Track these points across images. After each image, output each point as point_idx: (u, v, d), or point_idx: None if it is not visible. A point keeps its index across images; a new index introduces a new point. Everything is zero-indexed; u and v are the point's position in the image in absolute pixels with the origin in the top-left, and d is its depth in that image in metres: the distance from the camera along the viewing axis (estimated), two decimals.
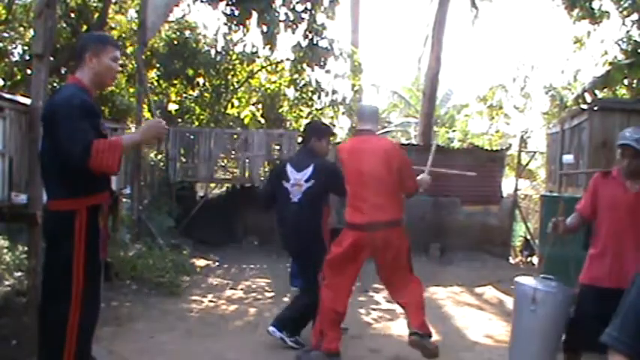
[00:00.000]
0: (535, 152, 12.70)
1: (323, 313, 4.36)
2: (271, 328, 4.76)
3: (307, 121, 12.43)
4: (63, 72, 9.05)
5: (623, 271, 3.52)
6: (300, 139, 5.27)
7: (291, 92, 12.52)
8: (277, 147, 10.72)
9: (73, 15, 9.54)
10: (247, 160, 10.48)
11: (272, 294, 6.99)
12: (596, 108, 5.22)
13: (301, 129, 12.33)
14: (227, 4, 9.58)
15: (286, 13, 9.48)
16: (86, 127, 2.93)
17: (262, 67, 12.66)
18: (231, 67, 12.02)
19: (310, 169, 4.82)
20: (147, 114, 10.82)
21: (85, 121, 2.94)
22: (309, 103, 12.16)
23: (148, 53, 10.46)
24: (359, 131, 4.54)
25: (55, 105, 3.03)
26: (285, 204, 4.90)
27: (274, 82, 12.76)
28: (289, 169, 4.90)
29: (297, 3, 9.49)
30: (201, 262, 8.69)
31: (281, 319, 4.81)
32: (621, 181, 3.60)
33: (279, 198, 4.96)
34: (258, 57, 12.12)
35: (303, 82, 11.93)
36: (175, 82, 11.82)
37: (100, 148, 2.87)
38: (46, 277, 3.12)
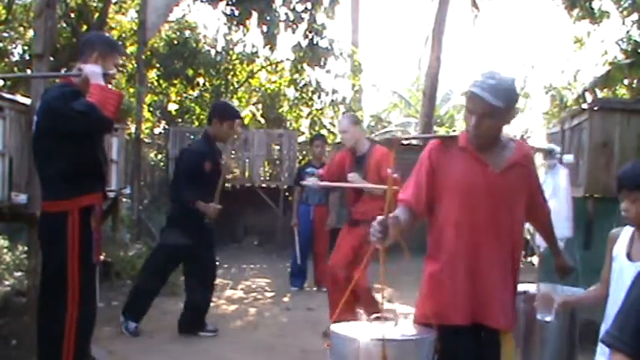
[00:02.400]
0: (535, 152, 12.65)
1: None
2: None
3: (308, 121, 12.45)
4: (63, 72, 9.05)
5: (483, 298, 2.38)
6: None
7: (291, 92, 12.53)
8: (277, 147, 10.73)
9: (73, 15, 9.54)
10: (247, 160, 10.49)
11: (272, 294, 6.99)
12: (596, 108, 5.21)
13: (301, 129, 12.37)
14: (227, 4, 9.58)
15: (286, 13, 9.48)
16: (79, 102, 2.97)
17: (262, 67, 12.67)
18: (231, 67, 12.03)
19: None
20: (147, 114, 10.84)
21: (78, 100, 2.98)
22: (309, 103, 12.17)
23: (148, 53, 10.46)
24: None
25: (46, 104, 3.05)
26: None
27: (274, 82, 12.76)
28: None
29: (297, 3, 9.49)
30: None
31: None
32: (476, 155, 2.40)
33: None
34: (258, 57, 12.14)
35: (303, 82, 11.94)
36: (175, 82, 11.83)
37: (98, 101, 2.94)
38: (43, 278, 3.13)
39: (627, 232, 2.32)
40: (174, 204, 4.96)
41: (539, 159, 5.08)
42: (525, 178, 2.49)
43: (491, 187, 2.38)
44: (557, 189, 4.10)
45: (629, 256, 2.27)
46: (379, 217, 2.21)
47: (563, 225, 3.98)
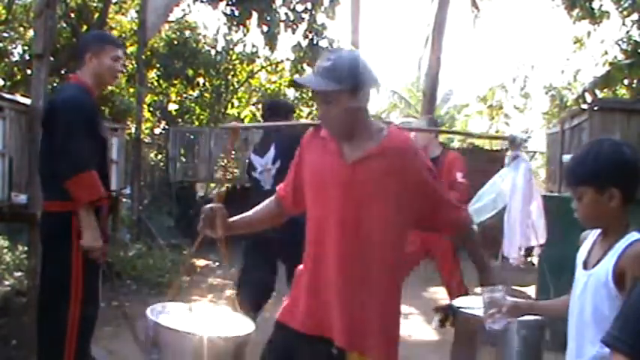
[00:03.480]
0: (535, 152, 12.68)
1: None
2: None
3: (308, 120, 12.43)
4: (63, 72, 9.05)
5: (326, 310, 2.07)
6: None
7: (291, 92, 12.53)
8: None
9: (73, 15, 9.54)
10: (247, 160, 10.50)
11: (272, 294, 6.98)
12: (596, 108, 5.22)
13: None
14: (227, 4, 9.58)
15: (286, 13, 9.48)
16: (85, 144, 2.92)
17: (262, 67, 12.67)
18: (231, 67, 12.03)
19: (272, 149, 4.33)
20: (147, 114, 10.81)
21: (84, 131, 2.94)
22: (309, 103, 12.17)
23: (148, 53, 10.46)
24: None
25: (56, 107, 3.03)
26: (259, 196, 4.52)
27: (274, 82, 12.76)
28: (253, 157, 4.52)
29: (297, 3, 9.49)
30: (201, 262, 8.68)
31: None
32: (333, 144, 2.12)
33: (254, 193, 4.40)
34: (258, 57, 12.15)
35: None
36: (175, 82, 11.83)
37: (86, 179, 2.90)
38: (44, 278, 3.12)
39: (593, 235, 1.95)
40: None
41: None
42: (392, 174, 2.04)
43: (342, 180, 2.05)
44: (515, 188, 3.18)
45: (585, 265, 1.90)
46: (204, 207, 2.21)
47: (517, 233, 3.20)
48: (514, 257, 2.94)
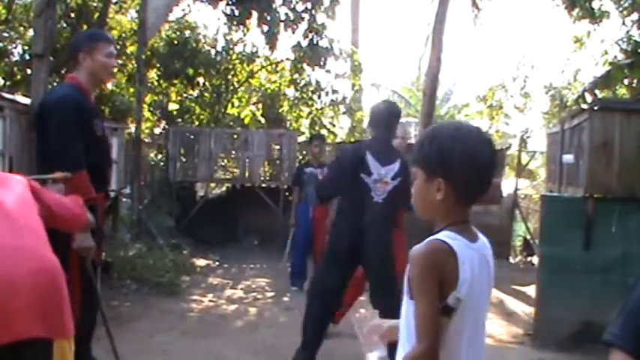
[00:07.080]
0: (535, 152, 12.68)
1: None
2: None
3: (308, 121, 12.42)
4: (63, 72, 9.04)
5: None
6: (378, 125, 4.27)
7: (291, 92, 12.52)
8: (277, 147, 10.74)
9: (73, 15, 9.52)
10: (247, 160, 10.50)
11: (272, 294, 6.98)
12: (596, 108, 5.21)
13: (301, 129, 12.35)
14: (227, 4, 9.59)
15: (286, 13, 9.48)
16: (74, 145, 2.94)
17: (262, 66, 12.66)
18: (231, 67, 12.02)
19: (397, 165, 4.11)
20: (147, 114, 10.80)
21: (74, 130, 2.94)
22: (309, 103, 12.17)
23: (148, 53, 10.45)
24: None
25: (47, 105, 3.04)
26: (362, 202, 4.07)
27: (274, 82, 12.76)
28: (370, 159, 4.09)
29: (297, 3, 9.50)
30: (201, 262, 8.68)
31: None
32: None
33: (352, 193, 4.12)
34: (258, 57, 12.13)
35: (303, 82, 11.94)
36: (175, 82, 11.81)
37: (74, 181, 2.89)
38: None
39: None
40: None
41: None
42: None
43: None
44: None
45: None
46: None
47: None
48: None
